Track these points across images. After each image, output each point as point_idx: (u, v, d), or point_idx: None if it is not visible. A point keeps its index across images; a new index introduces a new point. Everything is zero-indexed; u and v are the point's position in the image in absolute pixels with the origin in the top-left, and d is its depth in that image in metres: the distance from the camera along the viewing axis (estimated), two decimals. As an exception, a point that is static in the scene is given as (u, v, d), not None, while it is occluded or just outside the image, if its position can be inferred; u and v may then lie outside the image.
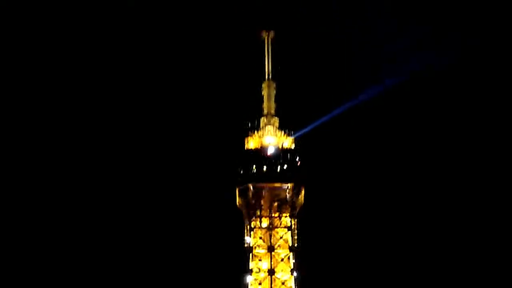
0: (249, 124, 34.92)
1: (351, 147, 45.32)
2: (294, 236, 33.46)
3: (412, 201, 46.32)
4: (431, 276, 42.91)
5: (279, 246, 33.36)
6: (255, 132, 34.51)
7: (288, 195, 33.46)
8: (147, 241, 43.37)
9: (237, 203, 34.07)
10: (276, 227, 33.60)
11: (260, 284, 33.03)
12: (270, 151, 33.73)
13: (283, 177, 33.24)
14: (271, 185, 33.41)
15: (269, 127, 34.54)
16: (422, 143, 48.09)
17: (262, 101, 35.53)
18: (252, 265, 33.19)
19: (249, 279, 32.90)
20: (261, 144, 33.96)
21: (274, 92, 35.47)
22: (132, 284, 41.57)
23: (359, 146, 46.04)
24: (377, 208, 45.08)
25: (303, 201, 33.97)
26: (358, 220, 44.17)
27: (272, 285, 32.67)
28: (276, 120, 34.78)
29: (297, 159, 33.97)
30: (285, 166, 33.39)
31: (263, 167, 33.05)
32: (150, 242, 43.20)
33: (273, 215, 33.63)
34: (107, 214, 44.68)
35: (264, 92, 35.49)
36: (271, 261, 32.92)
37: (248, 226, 33.64)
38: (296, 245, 33.35)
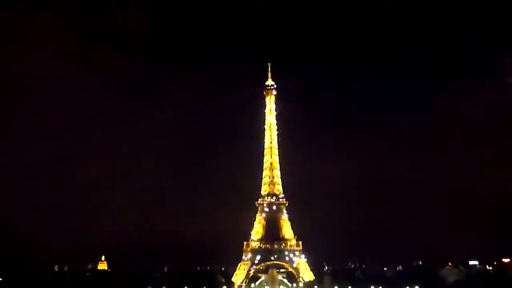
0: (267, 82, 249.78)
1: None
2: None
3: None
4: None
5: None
6: (268, 81, 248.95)
7: (273, 90, 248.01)
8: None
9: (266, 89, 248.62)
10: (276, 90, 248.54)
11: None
12: (270, 83, 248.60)
13: (273, 88, 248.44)
14: (270, 88, 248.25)
15: (270, 81, 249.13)
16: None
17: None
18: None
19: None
20: (269, 83, 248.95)
21: (272, 82, 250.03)
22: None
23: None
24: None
25: (276, 93, 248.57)
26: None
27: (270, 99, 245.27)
28: (270, 79, 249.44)
29: (274, 86, 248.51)
30: (274, 86, 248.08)
31: (270, 85, 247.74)
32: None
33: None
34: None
35: (268, 78, 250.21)
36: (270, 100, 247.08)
37: (266, 89, 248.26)
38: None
